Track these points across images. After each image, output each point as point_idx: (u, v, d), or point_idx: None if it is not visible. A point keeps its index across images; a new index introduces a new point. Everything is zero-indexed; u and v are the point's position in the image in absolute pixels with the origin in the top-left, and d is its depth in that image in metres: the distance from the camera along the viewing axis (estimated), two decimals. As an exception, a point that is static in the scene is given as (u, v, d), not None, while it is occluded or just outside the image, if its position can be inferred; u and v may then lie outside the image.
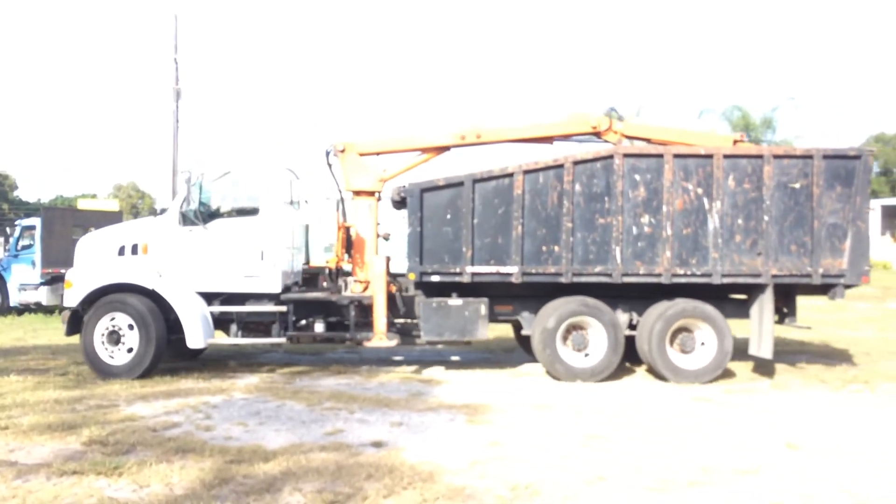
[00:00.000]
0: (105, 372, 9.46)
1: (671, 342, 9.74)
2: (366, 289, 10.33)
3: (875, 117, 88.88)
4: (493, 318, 10.07)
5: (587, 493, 5.25)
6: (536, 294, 9.97)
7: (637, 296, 9.94)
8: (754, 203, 9.56)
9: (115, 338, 9.51)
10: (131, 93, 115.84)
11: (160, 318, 9.53)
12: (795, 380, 9.89)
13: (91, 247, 10.12)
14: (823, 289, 9.89)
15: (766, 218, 9.52)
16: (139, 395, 8.49)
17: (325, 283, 10.86)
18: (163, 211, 10.68)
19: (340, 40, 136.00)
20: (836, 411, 8.03)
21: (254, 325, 10.07)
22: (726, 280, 9.61)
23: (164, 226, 9.88)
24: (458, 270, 9.65)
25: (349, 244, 10.60)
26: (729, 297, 10.21)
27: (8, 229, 22.50)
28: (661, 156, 9.62)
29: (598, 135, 10.84)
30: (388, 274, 10.22)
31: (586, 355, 9.78)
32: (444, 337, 9.89)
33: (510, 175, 9.62)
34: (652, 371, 10.05)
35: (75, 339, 9.97)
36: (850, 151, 9.70)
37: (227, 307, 9.84)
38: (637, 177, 9.60)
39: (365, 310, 10.14)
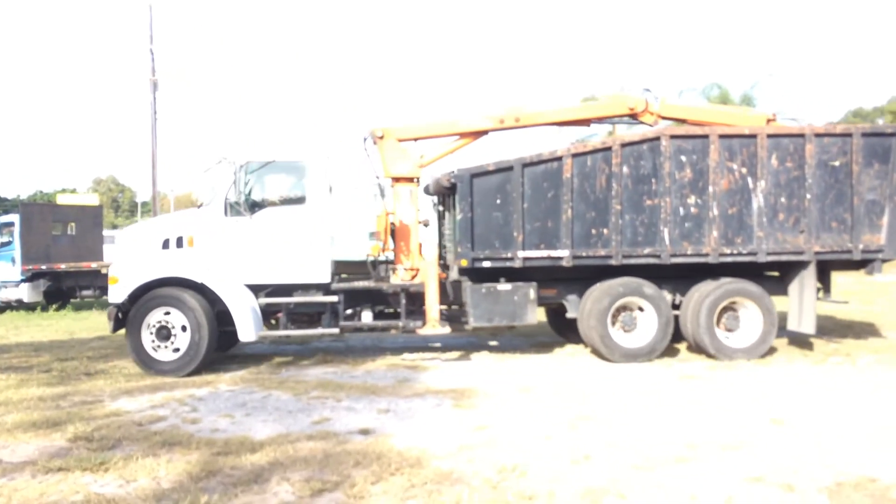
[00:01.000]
0: (154, 368, 9.26)
1: (717, 321, 9.83)
2: (414, 276, 10.24)
3: (853, 92, 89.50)
4: (539, 302, 10.06)
5: (574, 472, 5.28)
6: (580, 277, 9.99)
7: (677, 275, 10.02)
8: (796, 181, 9.68)
9: (164, 333, 9.31)
10: (109, 85, 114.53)
11: (210, 312, 9.37)
12: (779, 354, 10.00)
13: (133, 240, 9.82)
14: (859, 264, 10.04)
15: (808, 196, 9.64)
16: (124, 389, 8.44)
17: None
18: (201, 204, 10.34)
19: (333, 33, 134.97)
20: (819, 385, 8.13)
21: (301, 316, 9.91)
22: (771, 258, 9.73)
23: (209, 217, 9.58)
24: (509, 255, 9.64)
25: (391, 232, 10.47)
26: (764, 275, 10.29)
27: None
28: (706, 136, 9.69)
29: (634, 116, 10.96)
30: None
31: (635, 336, 9.86)
32: (493, 322, 9.87)
33: (559, 159, 9.64)
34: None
35: (57, 335, 9.90)
36: (888, 129, 9.92)
37: (276, 299, 9.62)
38: (683, 158, 9.68)
39: (412, 297, 10.03)
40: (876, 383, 8.14)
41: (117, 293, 9.39)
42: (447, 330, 9.91)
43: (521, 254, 9.61)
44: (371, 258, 10.59)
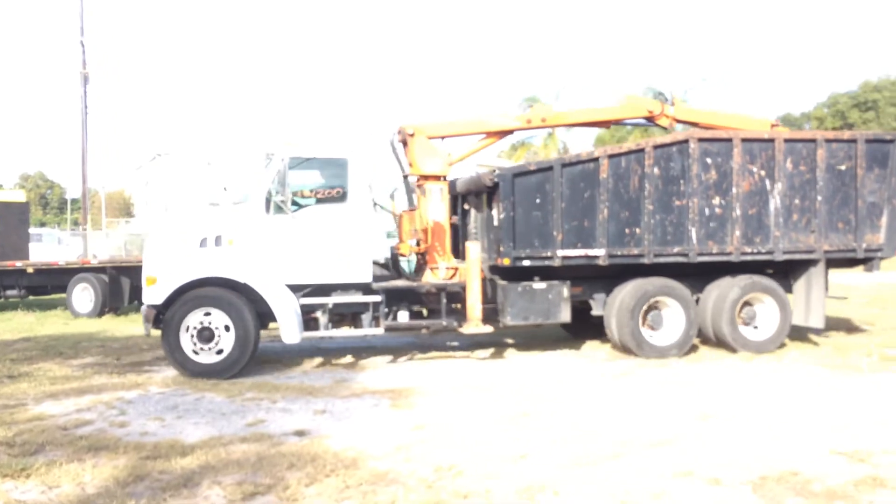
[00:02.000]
0: (196, 371, 8.86)
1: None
2: (453, 275, 10.13)
3: (782, 98, 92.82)
4: None
5: (509, 470, 5.32)
6: (605, 275, 10.16)
7: (695, 273, 10.30)
8: (808, 184, 10.14)
9: (207, 335, 8.92)
10: (38, 79, 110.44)
11: (254, 312, 9.03)
12: (709, 352, 10.27)
13: (168, 239, 9.30)
14: (855, 262, 10.66)
15: (819, 198, 10.11)
16: (48, 393, 8.13)
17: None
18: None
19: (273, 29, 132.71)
20: (746, 381, 8.38)
21: (341, 317, 9.63)
22: (786, 256, 10.16)
23: (249, 215, 9.19)
24: (549, 254, 9.73)
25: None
26: (767, 273, 10.61)
27: None
28: (730, 140, 10.03)
29: (651, 119, 11.26)
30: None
31: (662, 333, 10.10)
32: (528, 321, 9.93)
33: (596, 159, 9.81)
34: (565, 348, 10.26)
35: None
36: (888, 136, 10.51)
37: (318, 299, 9.29)
38: (709, 160, 9.98)
39: (453, 296, 9.91)
40: (799, 379, 8.44)
41: (156, 294, 8.88)
42: (490, 329, 9.79)
43: (560, 252, 9.74)
44: (404, 258, 10.49)
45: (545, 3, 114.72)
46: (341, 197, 9.36)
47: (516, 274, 9.91)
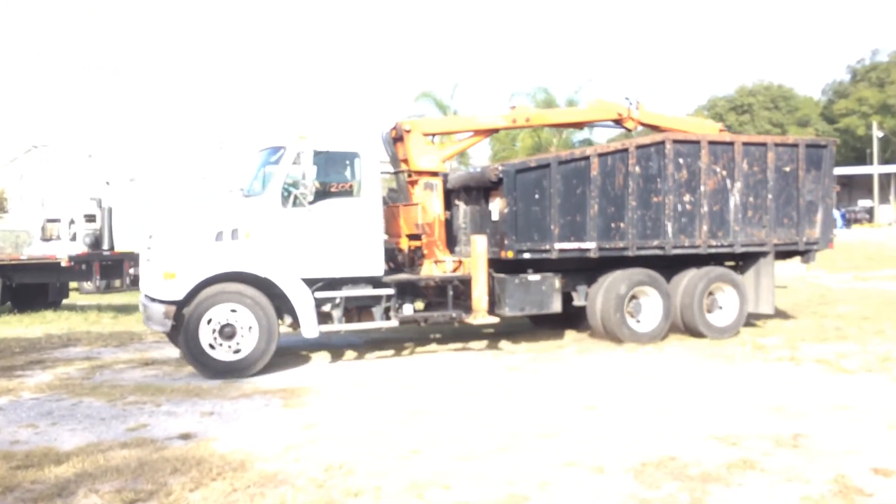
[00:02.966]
0: (216, 370, 8.58)
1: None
2: (457, 268, 10.22)
3: (665, 99, 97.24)
4: None
5: (400, 467, 5.33)
6: (585, 268, 10.67)
7: (662, 265, 10.88)
8: (760, 184, 11.10)
9: (229, 332, 8.63)
10: None
11: (273, 308, 8.81)
12: (597, 345, 10.61)
13: (182, 232, 8.82)
14: (792, 254, 11.82)
15: (769, 196, 11.10)
16: None
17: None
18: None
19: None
20: (630, 372, 8.72)
21: (351, 311, 9.53)
22: (743, 249, 11.10)
23: (264, 208, 8.95)
24: (546, 247, 10.12)
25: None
26: (722, 264, 11.54)
27: None
28: (698, 142, 10.87)
29: (619, 122, 11.94)
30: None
31: (642, 321, 10.69)
32: (525, 311, 10.26)
33: (587, 158, 10.32)
34: (452, 342, 10.38)
35: None
36: (822, 141, 11.78)
37: (331, 293, 9.20)
38: (681, 160, 10.71)
39: (458, 288, 10.00)
40: (679, 369, 8.86)
41: (176, 289, 8.51)
42: (496, 319, 10.10)
43: (557, 246, 10.14)
44: (398, 250, 10.45)
45: (439, 2, 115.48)
46: (354, 191, 9.38)
47: (510, 267, 10.20)
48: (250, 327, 8.73)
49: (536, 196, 10.12)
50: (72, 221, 18.03)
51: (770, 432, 6.05)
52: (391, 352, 10.54)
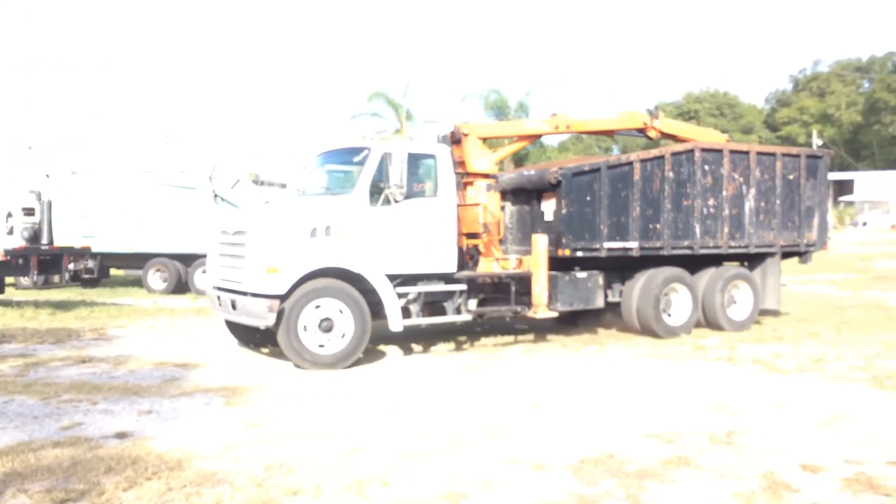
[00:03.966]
0: (315, 362, 8.86)
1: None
2: (518, 265, 10.67)
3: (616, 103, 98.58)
4: None
5: (343, 465, 5.30)
6: (620, 266, 11.32)
7: (682, 265, 11.60)
8: (770, 190, 12.04)
9: (327, 325, 8.92)
10: None
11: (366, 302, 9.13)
12: (541, 346, 10.73)
13: (278, 228, 8.96)
14: (792, 255, 12.79)
15: (777, 202, 12.07)
16: None
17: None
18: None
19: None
20: (573, 372, 8.84)
21: (427, 305, 9.91)
22: (756, 250, 12.04)
23: (354, 206, 9.26)
24: (597, 246, 10.77)
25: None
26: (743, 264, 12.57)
27: None
28: (721, 151, 11.72)
29: (643, 131, 12.46)
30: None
31: (669, 315, 11.44)
32: (573, 307, 10.88)
33: (630, 163, 11.04)
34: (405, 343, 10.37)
35: None
36: (819, 153, 12.91)
37: (408, 288, 9.58)
38: (706, 167, 11.55)
39: (521, 284, 10.46)
40: (620, 368, 9.00)
41: (279, 283, 8.70)
42: (555, 314, 10.65)
43: (606, 245, 10.81)
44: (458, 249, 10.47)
45: (394, 6, 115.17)
46: (434, 191, 9.81)
47: (556, 265, 10.67)
48: (347, 321, 9.04)
49: (588, 198, 10.80)
50: (9, 214, 17.44)
51: (706, 430, 6.21)
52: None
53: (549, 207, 10.84)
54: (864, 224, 60.72)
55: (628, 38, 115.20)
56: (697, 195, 11.44)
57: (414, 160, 9.73)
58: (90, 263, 18.86)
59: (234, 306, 9.21)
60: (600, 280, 11.03)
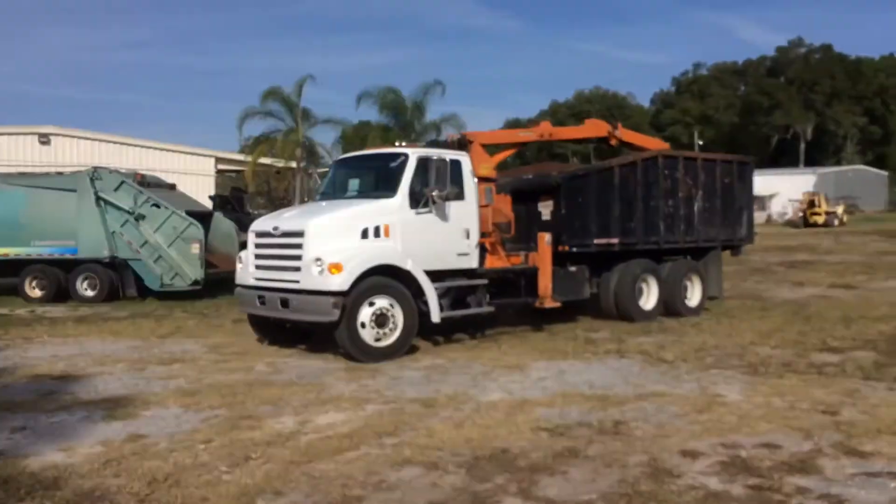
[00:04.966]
0: (372, 354, 9.41)
1: None
2: (526, 261, 11.59)
3: (510, 104, 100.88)
4: None
5: (230, 475, 5.16)
6: (598, 261, 12.35)
7: (642, 258, 12.78)
8: (712, 192, 13.56)
9: (381, 320, 9.45)
10: None
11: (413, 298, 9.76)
12: (436, 343, 10.76)
13: (335, 230, 9.80)
14: (728, 248, 14.52)
15: (718, 202, 13.62)
16: None
17: None
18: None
19: None
20: (467, 370, 8.88)
21: (453, 299, 10.51)
22: (703, 244, 13.59)
23: (397, 208, 10.02)
24: (588, 242, 12.03)
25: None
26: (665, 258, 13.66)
27: None
28: (677, 158, 13.42)
29: (607, 139, 13.84)
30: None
31: (644, 302, 12.71)
32: (567, 298, 11.79)
33: (611, 168, 12.45)
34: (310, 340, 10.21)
35: None
36: (747, 159, 14.91)
37: (444, 283, 10.24)
38: (667, 172, 12.96)
39: (529, 278, 11.38)
40: (514, 364, 9.14)
41: (342, 281, 9.21)
42: (559, 304, 11.53)
43: (596, 241, 12.05)
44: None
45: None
46: (461, 194, 10.55)
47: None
48: (398, 315, 9.62)
49: (580, 200, 12.05)
50: None
51: (594, 421, 6.41)
52: (226, 356, 10.12)
53: (546, 208, 12.17)
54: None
55: (519, 37, 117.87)
56: (661, 197, 12.81)
57: (444, 165, 10.37)
58: (-42, 272, 17.53)
59: (284, 304, 9.72)
60: (587, 273, 12.18)
